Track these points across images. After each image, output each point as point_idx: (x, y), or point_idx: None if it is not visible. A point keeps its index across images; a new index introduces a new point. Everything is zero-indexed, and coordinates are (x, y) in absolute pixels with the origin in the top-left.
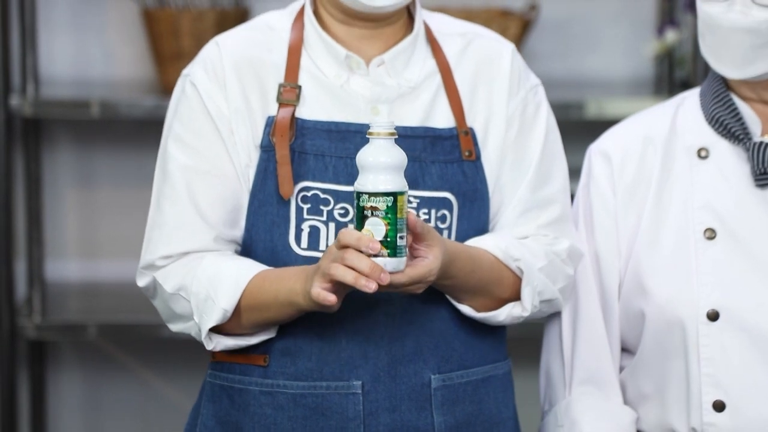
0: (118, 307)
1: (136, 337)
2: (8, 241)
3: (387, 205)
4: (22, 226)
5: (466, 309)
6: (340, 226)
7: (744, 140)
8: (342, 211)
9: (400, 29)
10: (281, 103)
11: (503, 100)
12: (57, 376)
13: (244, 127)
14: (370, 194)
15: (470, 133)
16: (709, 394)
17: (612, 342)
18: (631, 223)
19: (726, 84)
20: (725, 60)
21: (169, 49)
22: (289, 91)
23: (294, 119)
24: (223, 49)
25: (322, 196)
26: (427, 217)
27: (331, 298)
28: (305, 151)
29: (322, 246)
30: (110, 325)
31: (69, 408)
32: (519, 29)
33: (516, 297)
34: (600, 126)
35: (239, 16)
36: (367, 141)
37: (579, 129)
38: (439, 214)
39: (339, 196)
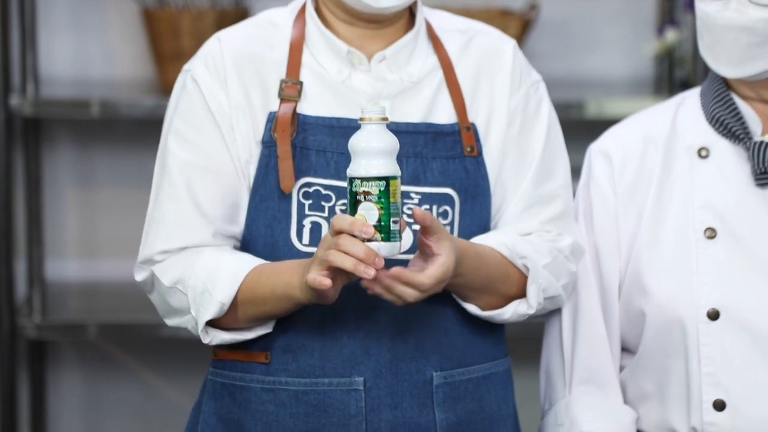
0: (118, 306)
1: (136, 336)
2: (8, 240)
3: (379, 190)
4: (22, 226)
5: (471, 308)
6: None
7: (744, 140)
8: (344, 207)
9: (402, 27)
10: (283, 99)
11: (505, 96)
12: (57, 376)
13: (245, 123)
14: (363, 179)
15: (472, 129)
16: (709, 394)
17: (612, 341)
18: (631, 223)
19: (726, 83)
20: (722, 59)
21: (169, 49)
22: (291, 87)
23: (295, 115)
24: (224, 45)
25: (324, 192)
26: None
27: (326, 282)
28: (307, 147)
29: None
30: (110, 324)
31: (69, 407)
32: (519, 29)
33: (521, 294)
34: (600, 125)
35: (239, 15)
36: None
37: (579, 128)
38: (440, 210)
39: (341, 192)
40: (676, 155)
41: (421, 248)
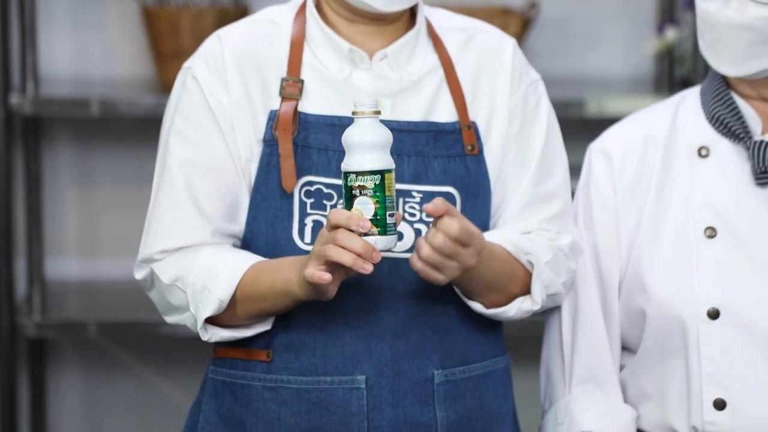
0: (118, 305)
1: (136, 335)
2: (8, 239)
3: (375, 184)
4: (22, 225)
5: (476, 305)
6: None
7: (744, 139)
8: None
9: (403, 25)
10: (284, 97)
11: (505, 95)
12: (57, 375)
13: (246, 122)
14: (358, 173)
15: (473, 128)
16: (709, 393)
17: (612, 340)
18: (631, 222)
19: (726, 82)
20: (723, 57)
21: (169, 48)
22: (292, 85)
23: (297, 113)
24: (225, 43)
25: (326, 190)
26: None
27: (326, 277)
28: (308, 146)
29: None
30: (110, 323)
31: (69, 406)
32: (519, 27)
33: (524, 292)
34: (600, 124)
35: (239, 14)
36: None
37: (579, 127)
38: None
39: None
40: (676, 154)
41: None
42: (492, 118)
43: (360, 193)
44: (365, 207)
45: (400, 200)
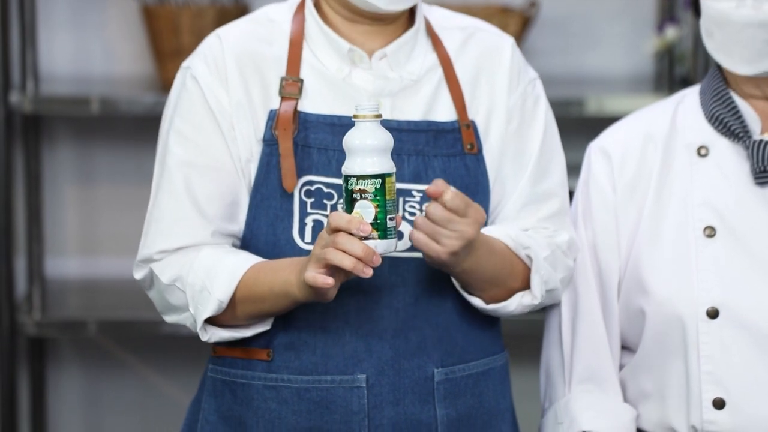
0: (118, 303)
1: (136, 333)
2: (8, 237)
3: (375, 188)
4: (22, 223)
5: (476, 301)
6: None
7: (744, 138)
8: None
9: (402, 24)
10: (283, 97)
11: (504, 94)
12: (57, 373)
13: (246, 121)
14: (359, 177)
15: (472, 126)
16: (709, 392)
17: (611, 339)
18: (631, 221)
19: (726, 82)
20: (737, 57)
21: (169, 46)
22: (292, 85)
23: (296, 113)
24: (224, 43)
25: (326, 190)
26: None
27: (329, 281)
28: (308, 145)
29: None
30: (110, 321)
31: (69, 404)
32: (519, 26)
33: (523, 287)
34: (600, 123)
35: (239, 12)
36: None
37: (579, 126)
38: None
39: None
40: (676, 153)
41: None
42: (491, 117)
43: (360, 196)
44: (366, 211)
45: (401, 199)
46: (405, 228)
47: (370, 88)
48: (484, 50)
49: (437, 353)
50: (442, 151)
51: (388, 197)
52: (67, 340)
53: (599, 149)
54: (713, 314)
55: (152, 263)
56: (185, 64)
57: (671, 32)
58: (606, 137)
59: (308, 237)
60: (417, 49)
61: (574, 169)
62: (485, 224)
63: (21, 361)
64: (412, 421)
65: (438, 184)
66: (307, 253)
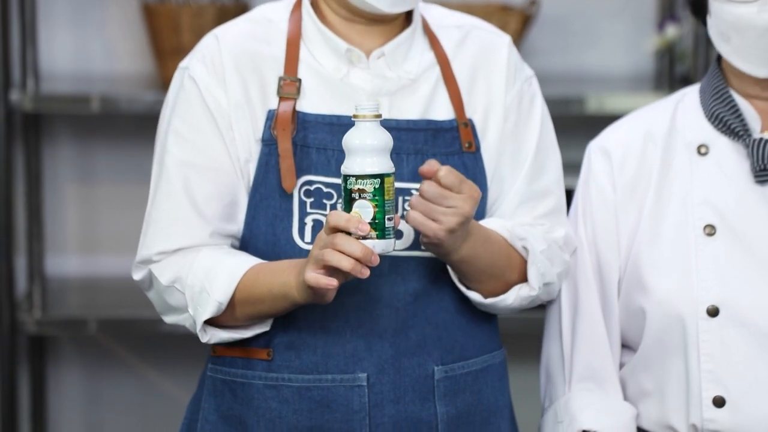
0: (118, 302)
1: (136, 332)
2: (8, 236)
3: (374, 188)
4: (23, 222)
5: (474, 295)
6: None
7: (744, 137)
8: None
9: (399, 23)
10: (282, 97)
11: (501, 92)
12: (57, 371)
13: (245, 121)
14: (358, 177)
15: (470, 125)
16: (709, 390)
17: (612, 338)
18: (631, 220)
19: (726, 80)
20: (755, 60)
21: (170, 45)
22: (290, 85)
23: (295, 113)
24: (222, 43)
25: (325, 190)
26: None
27: (333, 282)
28: (307, 145)
29: None
30: (110, 320)
31: (69, 402)
32: (519, 24)
33: (521, 279)
34: (600, 121)
35: (239, 11)
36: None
37: (579, 124)
38: None
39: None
40: (676, 152)
41: None
42: (488, 116)
43: (359, 196)
44: (364, 210)
45: (400, 198)
46: (405, 227)
47: (368, 88)
48: (480, 49)
49: (437, 351)
50: (440, 150)
51: (386, 197)
52: (68, 338)
53: (599, 148)
54: (713, 313)
55: (151, 264)
56: (183, 64)
57: (672, 31)
58: (606, 136)
59: (308, 237)
60: (414, 48)
61: (574, 168)
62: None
63: (21, 359)
64: (412, 419)
65: (431, 163)
66: (307, 252)
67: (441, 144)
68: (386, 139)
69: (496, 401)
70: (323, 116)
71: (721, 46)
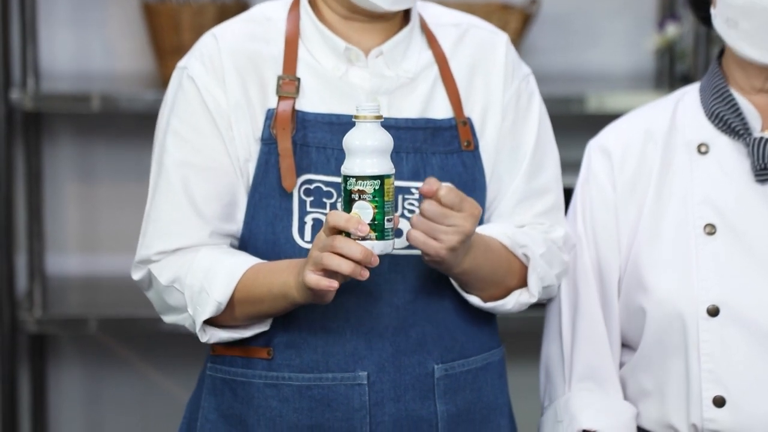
0: (119, 301)
1: (137, 330)
2: (9, 234)
3: (374, 189)
4: (23, 220)
5: (474, 299)
6: None
7: (744, 135)
8: None
9: (397, 21)
10: (281, 96)
11: (499, 90)
12: (57, 370)
13: (244, 121)
14: (358, 178)
15: (468, 123)
16: (709, 390)
17: (612, 338)
18: (631, 219)
19: (726, 79)
20: (764, 45)
21: (170, 43)
22: (289, 84)
23: (294, 112)
24: (221, 43)
25: (325, 188)
26: None
27: (334, 284)
28: (307, 144)
29: None
30: (110, 318)
31: (69, 401)
32: (519, 23)
33: (520, 285)
34: (601, 120)
35: (239, 9)
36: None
37: (579, 123)
38: None
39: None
40: (676, 151)
41: None
42: (486, 114)
43: (359, 197)
44: (364, 211)
45: (399, 197)
46: (404, 225)
47: (366, 86)
48: (478, 47)
49: (437, 349)
50: (439, 149)
51: (386, 198)
52: (68, 337)
53: (599, 147)
54: (713, 312)
55: (150, 264)
56: (181, 63)
57: (672, 29)
58: (606, 135)
59: (308, 236)
60: (412, 47)
61: (574, 167)
62: (481, 221)
63: (22, 358)
64: (412, 417)
65: (431, 183)
66: (307, 252)
67: (440, 143)
68: (387, 140)
69: (495, 399)
70: (322, 115)
71: (728, 33)
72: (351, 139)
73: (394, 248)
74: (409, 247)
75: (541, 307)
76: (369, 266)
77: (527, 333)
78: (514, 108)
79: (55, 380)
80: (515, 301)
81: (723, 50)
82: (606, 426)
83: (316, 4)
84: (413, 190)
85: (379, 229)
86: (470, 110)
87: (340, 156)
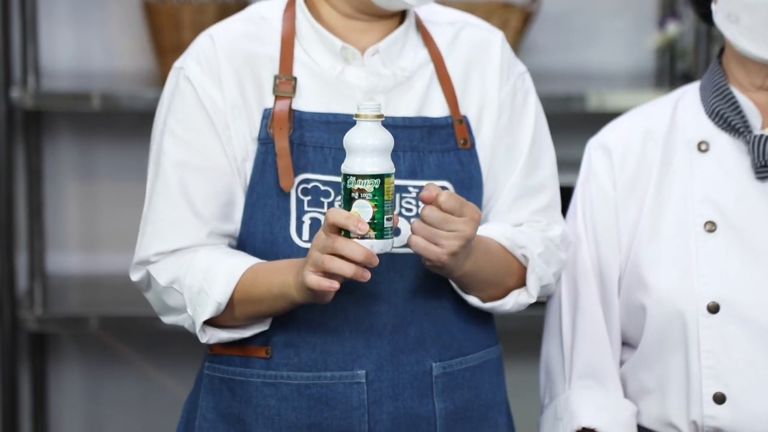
0: (119, 299)
1: (137, 329)
2: (9, 233)
3: (374, 188)
4: (23, 219)
5: (472, 299)
6: None
7: (744, 133)
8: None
9: (394, 20)
10: (277, 95)
11: (495, 88)
12: (58, 369)
13: (241, 121)
14: (358, 176)
15: (464, 121)
16: (709, 387)
17: (612, 335)
18: (631, 217)
19: (726, 77)
20: (764, 40)
21: (170, 42)
22: (285, 83)
23: (291, 111)
24: (217, 43)
25: (323, 188)
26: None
27: (335, 285)
28: (304, 143)
29: None
30: (111, 317)
31: (70, 400)
32: (520, 21)
33: (518, 285)
34: (601, 119)
35: (239, 8)
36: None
37: (580, 122)
38: None
39: (339, 188)
40: (676, 149)
41: None
42: (482, 112)
43: (359, 196)
44: (363, 210)
45: (397, 195)
46: (402, 224)
47: (363, 85)
48: (474, 45)
49: (435, 347)
50: (436, 147)
51: (386, 197)
52: (68, 335)
53: (599, 146)
54: (714, 309)
55: (149, 265)
56: (177, 64)
57: (672, 28)
58: (606, 134)
59: (306, 235)
60: (408, 45)
61: (574, 165)
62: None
63: (22, 356)
64: (411, 415)
65: (430, 189)
66: (305, 251)
67: (436, 141)
68: (387, 139)
69: (493, 396)
70: (319, 114)
71: (728, 29)
72: (352, 138)
73: (392, 247)
74: (407, 245)
75: (540, 306)
76: (370, 266)
77: (526, 332)
78: (510, 106)
79: (55, 379)
80: (514, 301)
81: (723, 48)
82: (606, 423)
83: (313, 3)
84: (410, 189)
85: (378, 228)
86: (466, 108)
87: (338, 155)
